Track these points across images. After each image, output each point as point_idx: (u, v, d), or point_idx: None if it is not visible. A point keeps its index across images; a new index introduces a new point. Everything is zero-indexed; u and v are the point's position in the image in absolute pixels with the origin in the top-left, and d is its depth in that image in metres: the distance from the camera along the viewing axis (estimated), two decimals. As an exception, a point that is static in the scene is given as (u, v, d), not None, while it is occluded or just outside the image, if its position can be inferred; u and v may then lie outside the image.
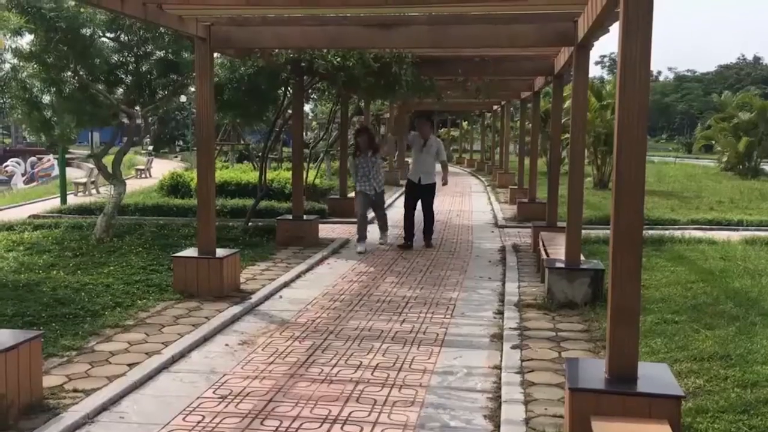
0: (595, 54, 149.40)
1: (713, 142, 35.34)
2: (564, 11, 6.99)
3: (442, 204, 17.98)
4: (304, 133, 12.93)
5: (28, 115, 9.76)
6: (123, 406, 4.59)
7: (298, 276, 8.61)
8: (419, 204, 11.01)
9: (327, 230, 12.14)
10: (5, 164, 33.30)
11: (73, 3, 8.35)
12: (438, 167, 11.45)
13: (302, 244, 10.62)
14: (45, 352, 5.15)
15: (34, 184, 28.95)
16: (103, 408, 4.50)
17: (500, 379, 5.08)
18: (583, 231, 8.01)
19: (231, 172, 17.79)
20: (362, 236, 10.71)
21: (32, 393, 4.42)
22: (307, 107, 25.46)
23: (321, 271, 9.07)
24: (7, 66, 8.99)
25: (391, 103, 22.18)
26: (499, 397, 4.75)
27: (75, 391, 4.70)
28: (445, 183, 11.60)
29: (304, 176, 11.56)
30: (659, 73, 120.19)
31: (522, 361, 5.42)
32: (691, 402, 4.42)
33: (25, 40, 8.98)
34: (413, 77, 10.85)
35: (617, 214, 3.85)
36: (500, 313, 6.97)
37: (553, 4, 6.74)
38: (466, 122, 44.32)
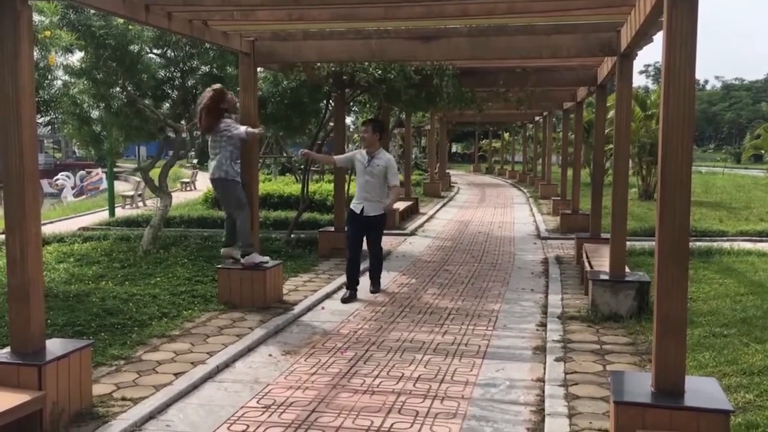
0: (639, 63, 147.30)
1: (763, 151, 34.54)
2: (607, 21, 6.94)
3: (483, 215, 17.92)
4: (345, 146, 13.00)
5: (79, 129, 10.04)
6: (170, 415, 4.67)
7: (340, 287, 8.64)
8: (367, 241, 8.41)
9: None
10: (56, 178, 34.24)
11: (122, 21, 8.58)
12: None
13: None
14: (94, 361, 5.27)
15: (84, 197, 29.66)
16: (151, 416, 4.58)
17: (543, 392, 5.03)
18: (628, 242, 7.90)
19: (274, 184, 18.00)
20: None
21: (82, 401, 4.54)
22: (348, 120, 25.66)
23: (363, 283, 9.06)
24: (58, 83, 9.25)
25: (432, 114, 22.20)
26: (543, 410, 4.70)
27: (123, 399, 4.80)
28: (389, 212, 8.51)
29: (346, 188, 11.62)
30: (706, 81, 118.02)
31: (566, 373, 5.36)
32: (740, 417, 4.32)
33: (76, 57, 9.26)
34: (454, 89, 10.85)
35: (663, 225, 3.79)
36: (543, 325, 6.91)
37: (595, 15, 6.69)
38: (508, 133, 44.08)
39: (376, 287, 8.56)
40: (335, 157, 8.97)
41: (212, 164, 7.46)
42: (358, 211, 8.13)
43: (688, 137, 3.74)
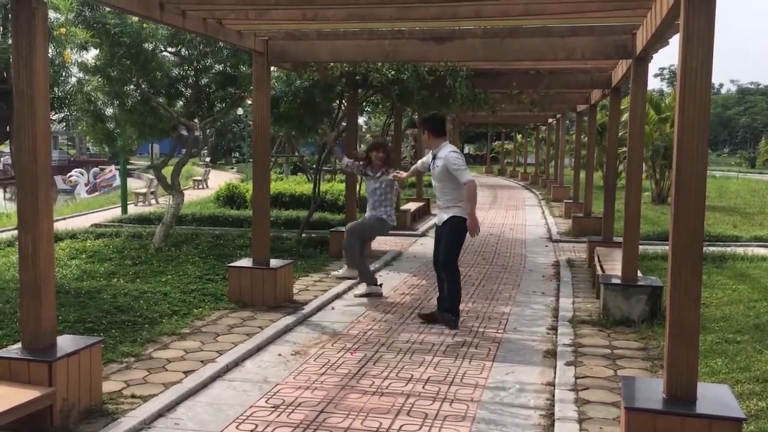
0: (654, 66, 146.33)
1: (778, 156, 34.27)
2: (622, 24, 6.90)
3: (495, 217, 17.86)
4: (358, 146, 12.99)
5: (93, 126, 10.09)
6: (178, 413, 4.67)
7: (350, 288, 8.64)
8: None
9: (379, 243, 12.16)
10: (70, 174, 34.43)
11: (136, 19, 8.61)
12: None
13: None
14: (105, 358, 5.29)
15: (97, 193, 29.83)
16: (160, 414, 4.59)
17: (553, 396, 5.00)
18: (641, 246, 7.85)
19: (285, 183, 18.03)
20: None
21: (92, 397, 4.55)
22: (361, 120, 25.67)
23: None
24: (73, 79, 9.30)
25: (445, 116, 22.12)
26: (553, 414, 4.68)
27: (133, 396, 4.82)
28: (471, 230, 6.65)
29: (358, 188, 11.61)
30: (721, 85, 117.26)
31: (576, 378, 5.32)
32: (753, 425, 4.28)
33: (91, 55, 9.31)
34: (467, 90, 10.81)
35: (676, 229, 3.76)
36: (554, 328, 6.87)
37: (611, 17, 6.65)
38: (521, 135, 43.94)
39: (446, 318, 6.90)
40: (415, 166, 7.83)
41: (390, 210, 8.27)
42: (437, 221, 7.04)
43: (704, 141, 3.70)
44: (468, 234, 6.75)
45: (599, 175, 21.23)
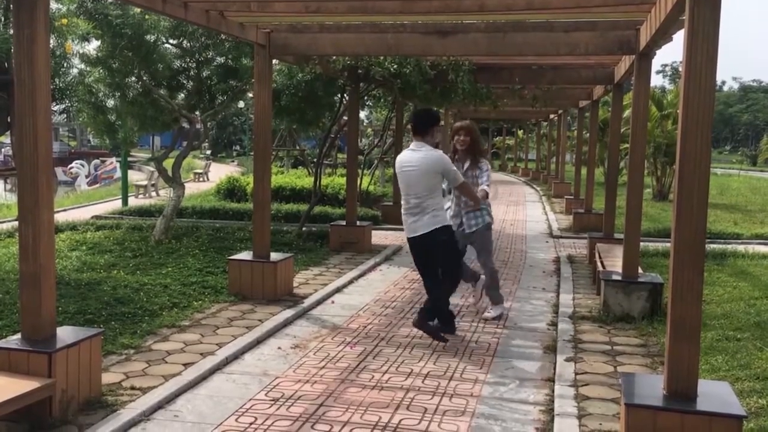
0: (656, 63, 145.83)
1: (779, 154, 34.23)
2: (626, 19, 6.87)
3: (495, 213, 17.79)
4: (359, 140, 12.97)
5: (94, 118, 10.08)
6: (178, 405, 4.67)
7: (350, 282, 8.64)
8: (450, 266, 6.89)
9: (380, 237, 12.16)
10: (70, 166, 34.41)
11: (138, 10, 8.58)
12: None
13: (355, 250, 10.66)
14: (104, 349, 5.29)
15: (97, 185, 29.82)
16: (159, 406, 4.59)
17: (553, 391, 5.00)
18: (642, 243, 7.84)
19: (286, 177, 18.01)
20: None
21: (91, 389, 4.55)
22: (362, 114, 25.61)
23: (373, 278, 9.09)
24: (74, 71, 9.29)
25: (447, 110, 22.13)
26: (552, 410, 4.67)
27: (132, 388, 4.81)
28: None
29: (358, 183, 11.59)
30: (723, 82, 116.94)
31: (576, 374, 5.32)
32: (753, 422, 4.27)
33: (92, 46, 9.29)
34: (469, 85, 10.79)
35: (678, 226, 3.75)
36: (554, 324, 6.87)
37: (614, 12, 6.63)
38: (522, 131, 43.90)
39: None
40: None
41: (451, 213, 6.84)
42: None
43: (707, 137, 3.69)
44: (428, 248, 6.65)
45: (600, 172, 21.22)
